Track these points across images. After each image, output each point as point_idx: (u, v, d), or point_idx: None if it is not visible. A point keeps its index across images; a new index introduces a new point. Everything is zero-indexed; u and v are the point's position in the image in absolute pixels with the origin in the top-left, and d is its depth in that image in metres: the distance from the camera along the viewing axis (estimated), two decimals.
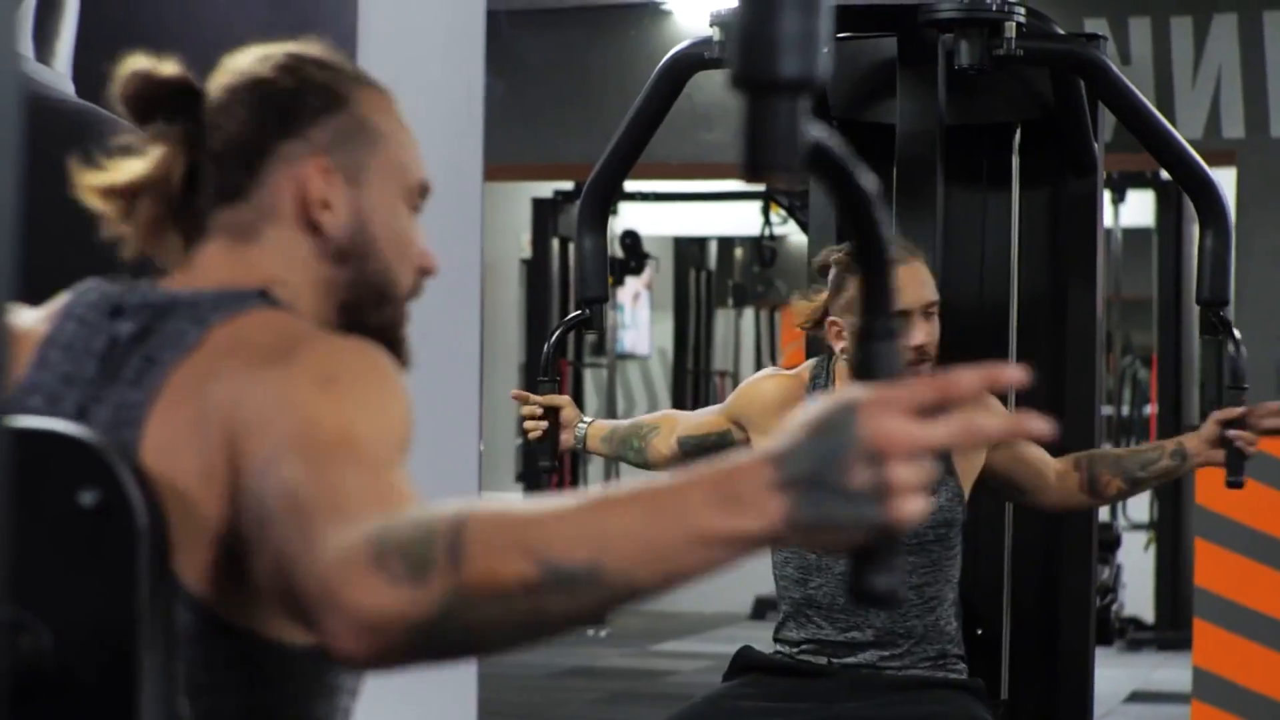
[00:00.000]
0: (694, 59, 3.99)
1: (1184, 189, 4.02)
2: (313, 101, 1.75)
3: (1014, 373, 1.32)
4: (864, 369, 1.35)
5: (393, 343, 1.74)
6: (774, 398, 3.65)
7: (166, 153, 1.73)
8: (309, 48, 1.79)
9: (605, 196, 4.08)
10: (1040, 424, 1.33)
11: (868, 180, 1.35)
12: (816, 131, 1.31)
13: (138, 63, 1.74)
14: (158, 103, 1.73)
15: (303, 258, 1.73)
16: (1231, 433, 3.60)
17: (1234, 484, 3.65)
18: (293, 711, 1.62)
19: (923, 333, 3.48)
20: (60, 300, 1.74)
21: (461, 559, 1.31)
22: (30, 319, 1.72)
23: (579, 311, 4.01)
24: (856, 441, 1.27)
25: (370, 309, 1.74)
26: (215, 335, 1.62)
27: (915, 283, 3.49)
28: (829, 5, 1.32)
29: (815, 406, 1.30)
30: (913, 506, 1.29)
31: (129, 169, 1.72)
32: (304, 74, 1.76)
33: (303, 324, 1.65)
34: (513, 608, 1.32)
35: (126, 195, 1.72)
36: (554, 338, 3.98)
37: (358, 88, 1.77)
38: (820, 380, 3.63)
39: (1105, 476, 3.66)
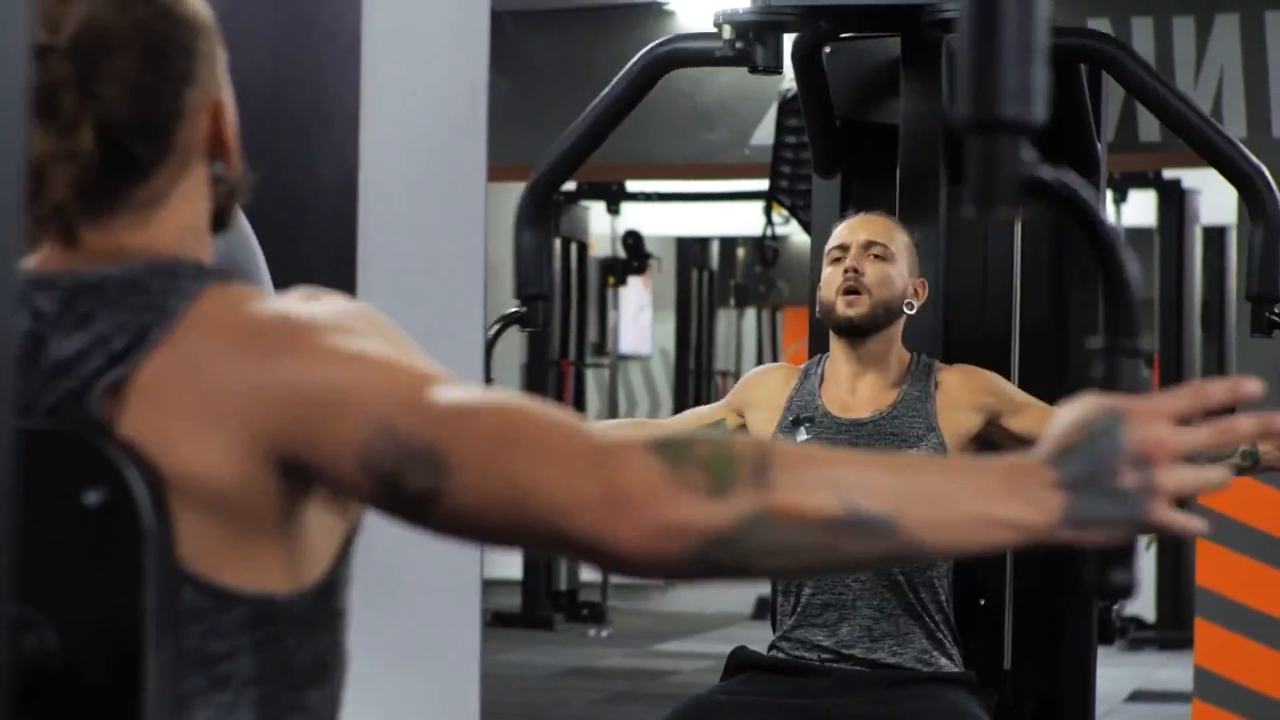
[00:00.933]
0: (673, 56, 3.97)
1: (1230, 182, 3.93)
2: (191, 40, 1.60)
3: (1253, 385, 1.49)
4: (1110, 382, 1.50)
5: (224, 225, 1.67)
6: (775, 378, 3.87)
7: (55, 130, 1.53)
8: None
9: (547, 192, 4.04)
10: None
11: (1101, 211, 1.54)
12: (1043, 170, 1.51)
13: None
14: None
15: (202, 193, 1.62)
16: None
17: None
18: (306, 651, 1.56)
19: (853, 260, 3.69)
20: None
21: (768, 484, 1.41)
22: None
23: (517, 308, 3.98)
24: (1125, 447, 1.44)
25: (230, 211, 1.66)
26: (183, 325, 1.49)
27: (856, 227, 3.76)
28: (1044, 51, 1.47)
29: (1074, 411, 1.46)
30: (1174, 513, 1.45)
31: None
32: (177, 10, 1.60)
33: (271, 299, 1.54)
34: (807, 539, 1.42)
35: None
36: (492, 335, 3.89)
37: (197, 5, 1.63)
38: (812, 371, 3.80)
39: None
